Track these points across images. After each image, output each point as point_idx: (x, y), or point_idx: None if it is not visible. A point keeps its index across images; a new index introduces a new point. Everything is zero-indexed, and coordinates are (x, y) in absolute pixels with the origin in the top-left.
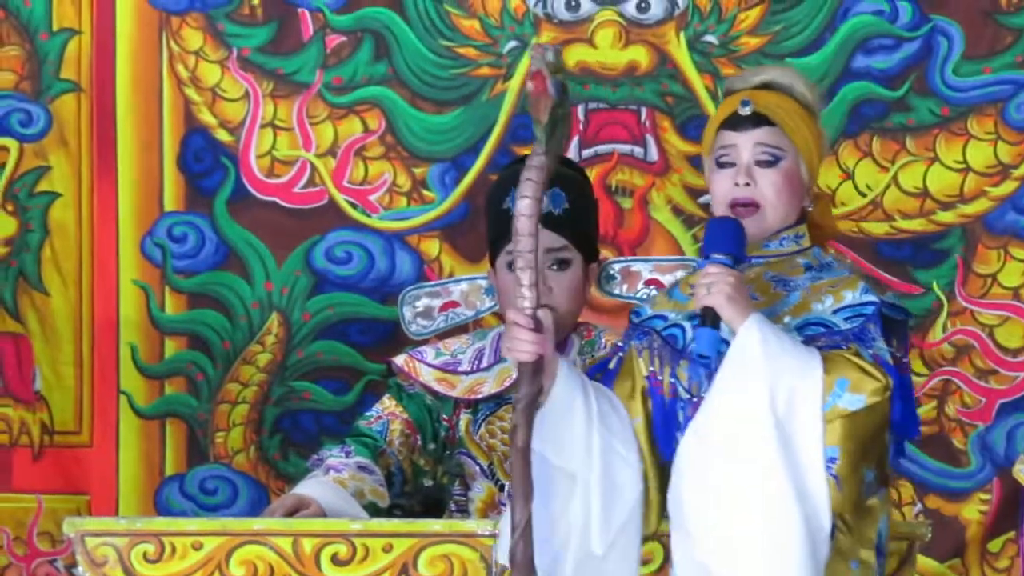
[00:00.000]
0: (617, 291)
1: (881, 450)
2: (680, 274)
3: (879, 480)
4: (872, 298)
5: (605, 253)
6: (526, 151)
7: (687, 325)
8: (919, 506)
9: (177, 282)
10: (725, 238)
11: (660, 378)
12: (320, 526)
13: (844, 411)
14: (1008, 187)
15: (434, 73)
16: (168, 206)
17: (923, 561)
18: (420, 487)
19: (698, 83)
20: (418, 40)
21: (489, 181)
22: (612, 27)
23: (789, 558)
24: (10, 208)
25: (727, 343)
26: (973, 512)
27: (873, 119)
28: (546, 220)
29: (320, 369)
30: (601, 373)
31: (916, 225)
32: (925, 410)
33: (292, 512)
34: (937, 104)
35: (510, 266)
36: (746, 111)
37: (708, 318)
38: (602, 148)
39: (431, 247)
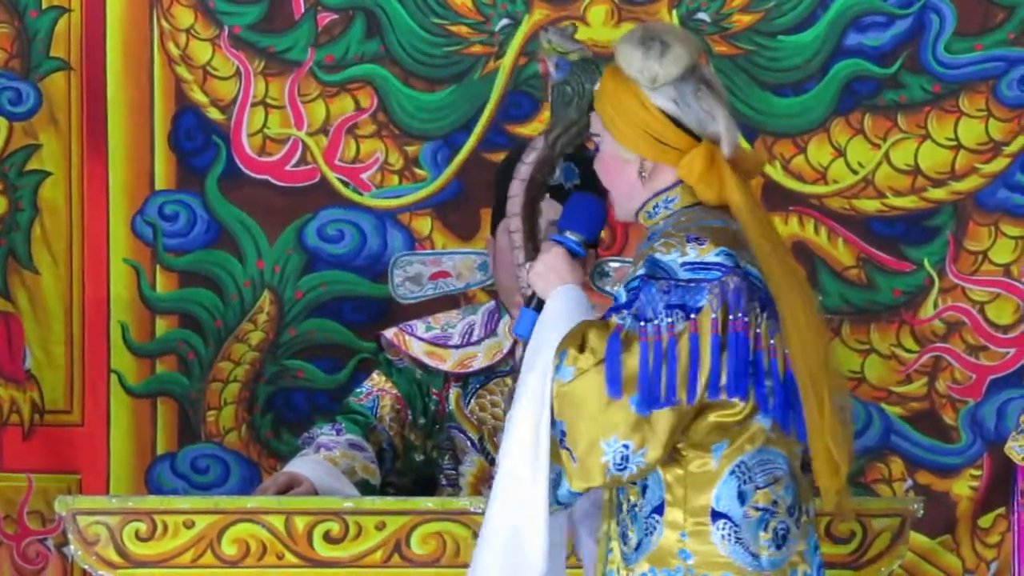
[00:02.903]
0: (608, 288)
1: (623, 421)
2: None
3: (650, 451)
4: (642, 271)
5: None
6: (518, 129)
7: None
8: (910, 482)
9: (168, 260)
10: (574, 216)
11: None
12: (312, 504)
13: (559, 383)
14: (999, 164)
15: (426, 51)
16: (159, 184)
17: (914, 537)
18: (411, 463)
19: None
20: (410, 18)
21: (481, 159)
22: (605, 5)
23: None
24: (0, 187)
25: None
26: (964, 488)
27: (865, 96)
28: (556, 193)
29: (312, 347)
30: None
31: (907, 202)
32: (916, 386)
33: (284, 490)
34: (929, 81)
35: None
36: None
37: (533, 299)
38: None
39: (423, 225)
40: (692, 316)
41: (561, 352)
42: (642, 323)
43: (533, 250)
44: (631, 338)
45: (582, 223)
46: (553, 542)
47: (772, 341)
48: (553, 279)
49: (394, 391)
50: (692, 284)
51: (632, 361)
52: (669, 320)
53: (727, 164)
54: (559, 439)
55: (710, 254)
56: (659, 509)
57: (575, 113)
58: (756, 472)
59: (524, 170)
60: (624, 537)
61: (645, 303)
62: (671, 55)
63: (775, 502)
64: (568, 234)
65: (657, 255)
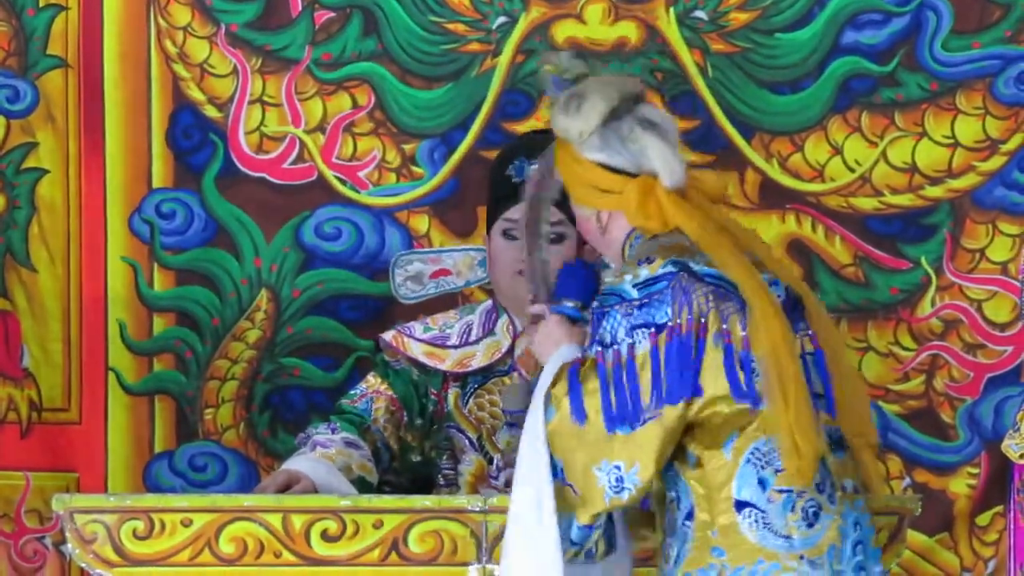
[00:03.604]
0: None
1: (609, 443)
2: None
3: (643, 468)
4: (595, 305)
5: None
6: (515, 127)
7: None
8: (907, 480)
9: (165, 259)
10: (569, 285)
11: None
12: (310, 503)
13: (548, 424)
14: (996, 162)
15: (423, 49)
16: (156, 182)
17: (911, 535)
18: (408, 463)
19: (688, 59)
20: (407, 16)
21: (478, 157)
22: (601, 2)
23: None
24: None
25: None
26: (961, 486)
27: (862, 94)
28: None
29: (310, 345)
30: None
31: (905, 200)
32: (913, 384)
33: (283, 488)
34: (926, 79)
35: (505, 233)
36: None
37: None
38: None
39: (420, 223)
40: (654, 330)
41: (546, 395)
42: (602, 349)
43: (541, 264)
44: (591, 365)
45: (576, 290)
46: None
47: (744, 333)
48: (551, 346)
49: (389, 392)
50: (647, 300)
51: (593, 385)
52: (630, 341)
53: (669, 193)
54: (561, 479)
55: (658, 269)
56: (690, 515)
57: None
58: (773, 456)
59: (528, 189)
60: (666, 555)
61: (606, 329)
62: (585, 108)
63: None
64: (565, 302)
65: (607, 286)
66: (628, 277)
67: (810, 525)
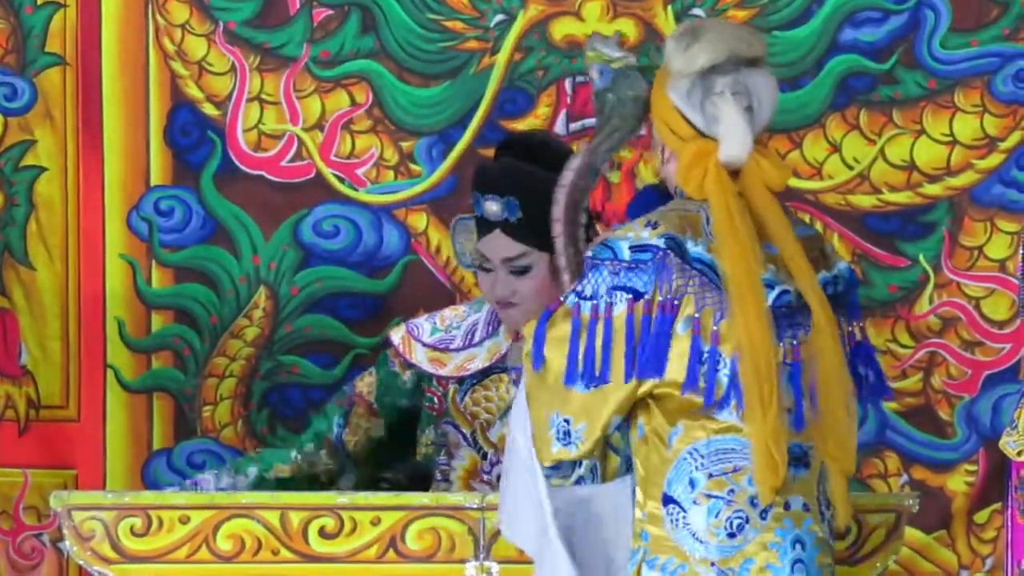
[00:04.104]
0: None
1: (564, 396)
2: None
3: (588, 428)
4: (590, 252)
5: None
6: (513, 125)
7: None
8: (905, 477)
9: (164, 256)
10: (641, 207)
11: None
12: (308, 500)
13: (523, 353)
14: (995, 160)
15: (421, 46)
16: (155, 180)
17: (909, 532)
18: (409, 461)
19: None
20: (405, 13)
21: (476, 154)
22: (600, 0)
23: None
24: None
25: None
26: (959, 483)
27: (860, 92)
28: (503, 228)
29: (308, 343)
30: None
31: (903, 198)
32: (911, 382)
33: None
34: (924, 77)
35: (479, 266)
36: None
37: None
38: (589, 121)
39: (418, 221)
40: (632, 296)
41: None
42: (580, 301)
43: (575, 255)
44: (564, 314)
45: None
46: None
47: (716, 328)
48: None
49: (371, 400)
50: (633, 265)
51: (560, 334)
52: (608, 300)
53: (719, 166)
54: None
55: (654, 238)
56: (634, 491)
57: (617, 120)
58: (711, 460)
59: (568, 176)
60: None
61: (589, 282)
62: (690, 52)
63: (731, 491)
64: None
65: (609, 236)
66: (630, 235)
67: (731, 535)
